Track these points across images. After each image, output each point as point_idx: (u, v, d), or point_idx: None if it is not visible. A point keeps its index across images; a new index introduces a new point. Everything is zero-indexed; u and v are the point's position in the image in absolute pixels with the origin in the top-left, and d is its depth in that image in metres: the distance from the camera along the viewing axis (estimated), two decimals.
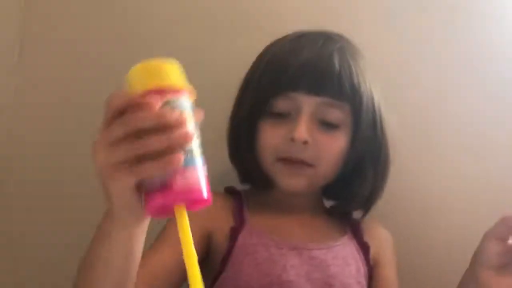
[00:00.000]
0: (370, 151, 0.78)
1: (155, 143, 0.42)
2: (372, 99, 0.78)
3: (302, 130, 0.73)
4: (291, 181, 0.76)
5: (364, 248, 0.80)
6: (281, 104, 0.76)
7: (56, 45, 0.98)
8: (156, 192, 0.44)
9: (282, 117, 0.76)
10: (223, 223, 0.76)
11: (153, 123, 0.42)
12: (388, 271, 0.81)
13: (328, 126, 0.75)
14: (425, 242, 0.98)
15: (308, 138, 0.73)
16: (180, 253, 0.66)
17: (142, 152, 0.42)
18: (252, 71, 0.81)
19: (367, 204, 0.81)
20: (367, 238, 0.82)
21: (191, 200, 0.45)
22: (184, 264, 0.58)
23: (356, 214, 0.85)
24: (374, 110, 0.78)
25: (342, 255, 0.77)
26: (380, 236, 0.85)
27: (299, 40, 0.79)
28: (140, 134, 0.43)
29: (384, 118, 0.80)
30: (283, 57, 0.76)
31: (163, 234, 0.73)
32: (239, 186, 0.85)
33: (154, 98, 0.44)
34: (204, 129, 0.49)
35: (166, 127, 0.42)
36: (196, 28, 1.00)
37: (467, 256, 0.72)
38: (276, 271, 0.70)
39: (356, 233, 0.82)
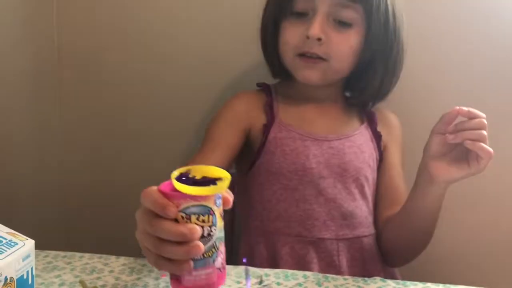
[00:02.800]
0: (381, 49, 0.87)
1: (168, 253, 0.51)
2: (386, 3, 0.84)
3: (316, 28, 0.82)
4: (306, 73, 0.87)
5: (377, 136, 0.94)
6: (300, 4, 0.85)
7: None
8: (173, 280, 0.54)
9: (301, 16, 0.85)
10: (257, 120, 0.91)
11: (168, 237, 0.50)
12: (394, 153, 0.95)
13: (341, 24, 0.84)
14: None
15: (321, 35, 0.83)
16: (222, 152, 0.84)
17: (160, 253, 0.51)
18: None
19: (378, 95, 0.92)
20: (380, 126, 0.95)
21: None
22: (225, 167, 0.77)
23: (375, 106, 0.97)
24: (386, 12, 0.84)
25: (358, 143, 0.91)
26: (390, 124, 0.98)
27: None
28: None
29: (398, 20, 0.87)
30: None
31: (207, 137, 0.89)
32: (270, 81, 0.98)
33: (173, 205, 0.51)
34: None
35: (180, 240, 0.50)
36: None
37: None
38: (300, 160, 0.86)
39: (371, 122, 0.95)
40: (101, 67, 1.14)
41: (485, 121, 0.69)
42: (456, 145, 0.71)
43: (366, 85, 0.90)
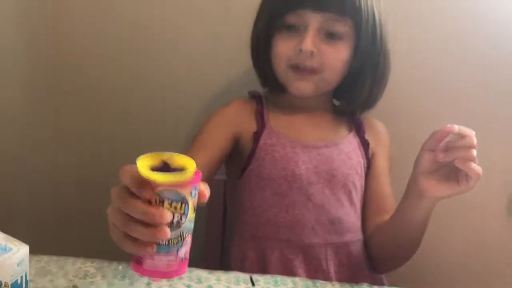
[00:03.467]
0: (370, 60, 0.89)
1: (134, 232, 0.51)
2: (373, 15, 0.87)
3: (308, 42, 0.85)
4: (299, 85, 0.90)
5: (365, 144, 0.96)
6: (291, 19, 0.87)
7: None
8: (134, 262, 0.55)
9: (293, 30, 0.88)
10: (247, 126, 0.93)
11: (138, 216, 0.50)
12: (381, 160, 0.98)
13: (332, 38, 0.87)
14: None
15: (313, 49, 0.85)
16: (210, 153, 0.85)
17: (126, 231, 0.52)
18: None
19: (366, 104, 0.94)
20: (368, 134, 0.97)
21: (157, 277, 0.56)
22: (211, 168, 0.81)
23: (363, 114, 0.99)
24: (374, 25, 0.87)
25: (346, 151, 0.93)
26: (378, 132, 1.00)
27: None
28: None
29: (384, 31, 0.89)
30: None
31: (197, 138, 0.91)
32: (261, 89, 1.00)
33: (150, 186, 0.51)
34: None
35: (148, 222, 0.50)
36: None
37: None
38: (290, 166, 0.88)
39: (359, 131, 0.97)
40: (95, 73, 1.15)
41: (475, 140, 0.71)
42: (446, 162, 0.73)
43: (355, 95, 0.93)
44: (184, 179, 0.52)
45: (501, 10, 1.07)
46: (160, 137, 1.16)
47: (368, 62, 0.90)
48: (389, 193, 0.95)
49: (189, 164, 0.53)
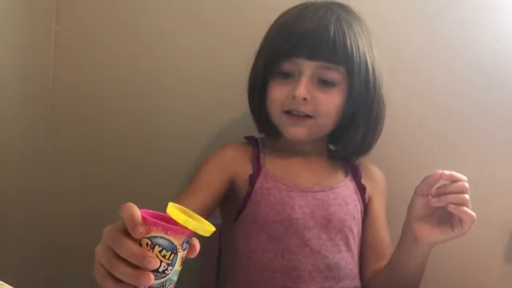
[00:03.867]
0: (363, 106, 0.90)
1: (118, 272, 0.51)
2: (366, 61, 0.88)
3: (302, 89, 0.86)
4: (293, 130, 0.91)
5: (361, 189, 0.96)
6: (286, 66, 0.89)
7: None
8: None
9: (288, 77, 0.90)
10: (243, 169, 0.92)
11: (126, 255, 0.50)
12: (378, 205, 0.97)
13: (325, 85, 0.88)
14: None
15: (306, 96, 0.87)
16: (204, 197, 0.85)
17: (111, 270, 0.51)
18: (265, 38, 0.94)
19: (361, 149, 0.95)
20: (365, 179, 0.97)
21: None
22: (205, 211, 0.81)
23: (358, 159, 1.00)
24: (367, 72, 0.89)
25: (342, 195, 0.92)
26: (374, 177, 1.01)
27: (303, 11, 0.90)
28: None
29: (378, 78, 0.91)
30: (288, 27, 0.89)
31: (192, 182, 0.91)
32: (257, 134, 1.01)
33: (144, 229, 0.51)
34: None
35: (135, 263, 0.50)
36: None
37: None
38: (286, 210, 0.87)
39: (355, 175, 0.97)
40: (95, 96, 1.16)
41: (467, 185, 0.72)
42: (439, 207, 0.74)
43: (349, 140, 0.93)
44: (179, 219, 0.53)
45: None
46: (156, 180, 1.16)
47: (361, 108, 0.91)
48: (387, 239, 0.94)
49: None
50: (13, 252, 1.11)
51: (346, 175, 0.97)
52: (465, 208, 0.71)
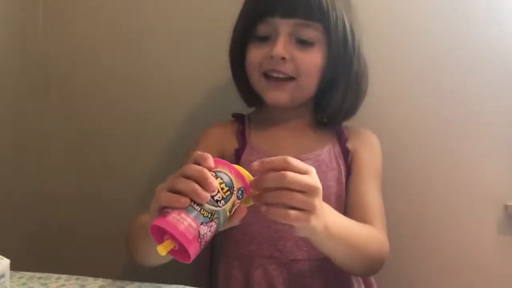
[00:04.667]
0: (342, 66, 0.90)
1: (179, 183, 0.59)
2: (343, 19, 0.89)
3: (279, 47, 0.87)
4: (275, 95, 0.91)
5: (345, 152, 0.95)
6: (262, 28, 0.90)
7: None
8: (158, 218, 0.58)
9: (265, 40, 0.90)
10: (230, 145, 0.95)
11: (192, 172, 0.59)
12: (362, 160, 0.94)
13: (304, 43, 0.89)
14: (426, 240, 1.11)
15: (285, 54, 0.87)
16: None
17: (173, 187, 0.59)
18: (242, 6, 0.95)
19: (342, 110, 0.94)
20: (350, 142, 0.96)
21: (173, 233, 0.56)
22: None
23: (345, 123, 1.00)
24: (344, 30, 0.89)
25: (326, 161, 0.93)
26: (361, 134, 0.98)
27: None
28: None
29: (356, 37, 0.91)
30: None
31: (187, 157, 0.90)
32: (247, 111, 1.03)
33: (211, 162, 0.61)
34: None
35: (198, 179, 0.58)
36: None
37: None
38: None
39: (341, 139, 0.96)
40: (87, 102, 1.20)
41: (290, 174, 0.61)
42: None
43: (329, 101, 0.93)
44: (244, 172, 0.62)
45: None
46: (149, 167, 1.19)
47: (340, 68, 0.90)
48: (373, 202, 0.91)
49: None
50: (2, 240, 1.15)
51: (330, 140, 0.96)
52: (279, 211, 0.62)
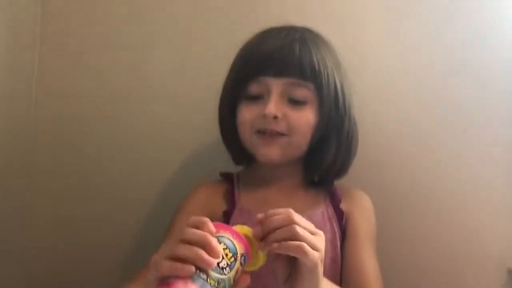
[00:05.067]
0: (334, 124, 0.88)
1: (182, 249, 0.55)
2: (334, 78, 0.87)
3: (272, 106, 0.84)
4: (266, 151, 0.87)
5: (339, 213, 0.90)
6: (254, 88, 0.87)
7: None
8: (161, 284, 0.54)
9: (257, 99, 0.87)
10: (217, 207, 0.89)
11: (195, 237, 0.56)
12: (357, 224, 0.89)
13: (296, 103, 0.86)
14: (427, 244, 1.08)
15: (277, 113, 0.84)
16: None
17: (175, 254, 0.55)
18: (232, 63, 0.93)
19: (333, 170, 0.91)
20: (344, 203, 0.91)
21: None
22: None
23: (337, 184, 0.95)
24: (335, 89, 0.87)
25: (320, 224, 0.87)
26: (355, 197, 0.94)
27: (266, 33, 0.90)
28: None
29: (347, 97, 0.89)
30: (252, 48, 0.89)
31: (170, 229, 0.87)
32: (236, 169, 0.98)
33: (211, 226, 0.57)
34: None
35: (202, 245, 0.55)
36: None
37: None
38: None
39: (334, 200, 0.91)
40: (75, 134, 1.13)
41: (293, 217, 0.65)
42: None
43: (320, 159, 0.90)
44: (243, 230, 0.61)
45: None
46: (136, 202, 1.12)
47: (332, 126, 0.88)
48: (369, 269, 0.85)
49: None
50: None
51: (323, 201, 0.92)
52: (293, 243, 0.62)
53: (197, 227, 0.57)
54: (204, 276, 0.53)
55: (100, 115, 1.12)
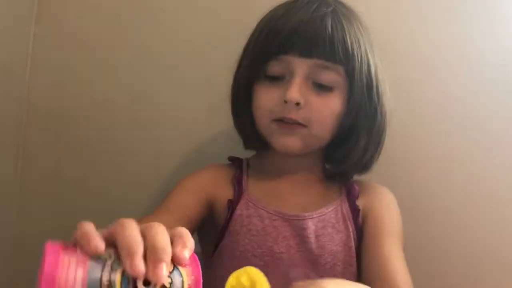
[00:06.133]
0: (364, 116, 0.77)
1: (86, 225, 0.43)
2: (368, 62, 0.76)
3: (294, 91, 0.73)
4: (286, 141, 0.77)
5: (355, 211, 0.80)
6: (274, 67, 0.76)
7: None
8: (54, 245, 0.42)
9: (277, 80, 0.76)
10: (223, 193, 0.80)
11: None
12: (376, 222, 0.79)
13: (322, 88, 0.75)
14: (440, 245, 1.02)
15: (300, 99, 0.73)
16: (176, 220, 0.72)
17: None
18: (250, 38, 0.81)
19: (359, 166, 0.80)
20: (361, 200, 0.81)
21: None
22: None
23: (356, 179, 0.86)
24: (369, 74, 0.76)
25: (333, 222, 0.78)
26: (375, 192, 0.84)
27: (293, 4, 0.77)
28: None
29: (381, 83, 0.78)
30: (276, 22, 0.76)
31: (163, 202, 0.78)
32: (245, 154, 0.88)
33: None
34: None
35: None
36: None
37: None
38: (268, 243, 0.74)
39: (350, 195, 0.81)
40: (68, 129, 1.06)
41: None
42: None
43: (347, 154, 0.79)
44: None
45: None
46: (131, 199, 1.05)
47: (362, 117, 0.77)
48: (398, 266, 0.73)
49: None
50: None
51: (338, 196, 0.82)
52: None
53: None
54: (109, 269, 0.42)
55: (96, 110, 1.05)
